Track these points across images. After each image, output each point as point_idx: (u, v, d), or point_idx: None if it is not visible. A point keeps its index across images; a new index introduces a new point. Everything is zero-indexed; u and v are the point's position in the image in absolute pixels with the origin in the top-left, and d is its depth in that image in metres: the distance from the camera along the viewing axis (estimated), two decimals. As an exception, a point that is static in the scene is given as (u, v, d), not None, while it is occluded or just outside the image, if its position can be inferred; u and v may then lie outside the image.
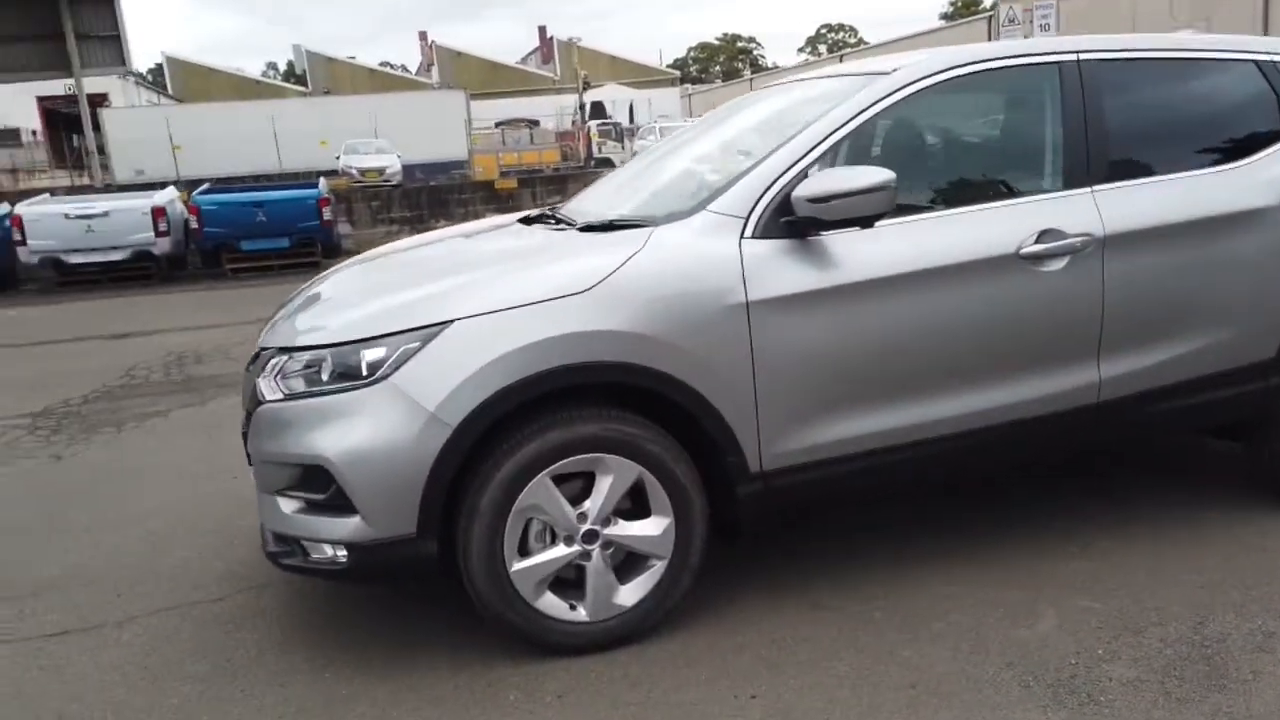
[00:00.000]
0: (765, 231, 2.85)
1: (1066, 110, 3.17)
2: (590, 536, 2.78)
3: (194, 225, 13.31)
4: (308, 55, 70.62)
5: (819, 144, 2.94)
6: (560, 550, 2.78)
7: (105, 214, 12.86)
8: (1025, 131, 3.30)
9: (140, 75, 72.89)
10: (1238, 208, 3.22)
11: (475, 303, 2.69)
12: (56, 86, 40.13)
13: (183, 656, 2.99)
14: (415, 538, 2.66)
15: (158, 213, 13.00)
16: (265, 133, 31.89)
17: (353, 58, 71.71)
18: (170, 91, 66.95)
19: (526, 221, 3.62)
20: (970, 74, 3.15)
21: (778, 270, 2.82)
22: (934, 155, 3.39)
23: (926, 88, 3.08)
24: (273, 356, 2.84)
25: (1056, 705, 2.48)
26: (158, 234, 12.93)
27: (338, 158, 27.06)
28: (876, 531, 3.56)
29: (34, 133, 47.87)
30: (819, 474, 2.95)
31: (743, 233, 2.84)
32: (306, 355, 2.77)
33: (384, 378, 2.64)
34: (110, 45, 31.48)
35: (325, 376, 2.71)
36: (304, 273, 12.68)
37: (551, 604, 2.80)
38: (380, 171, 26.37)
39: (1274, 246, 3.25)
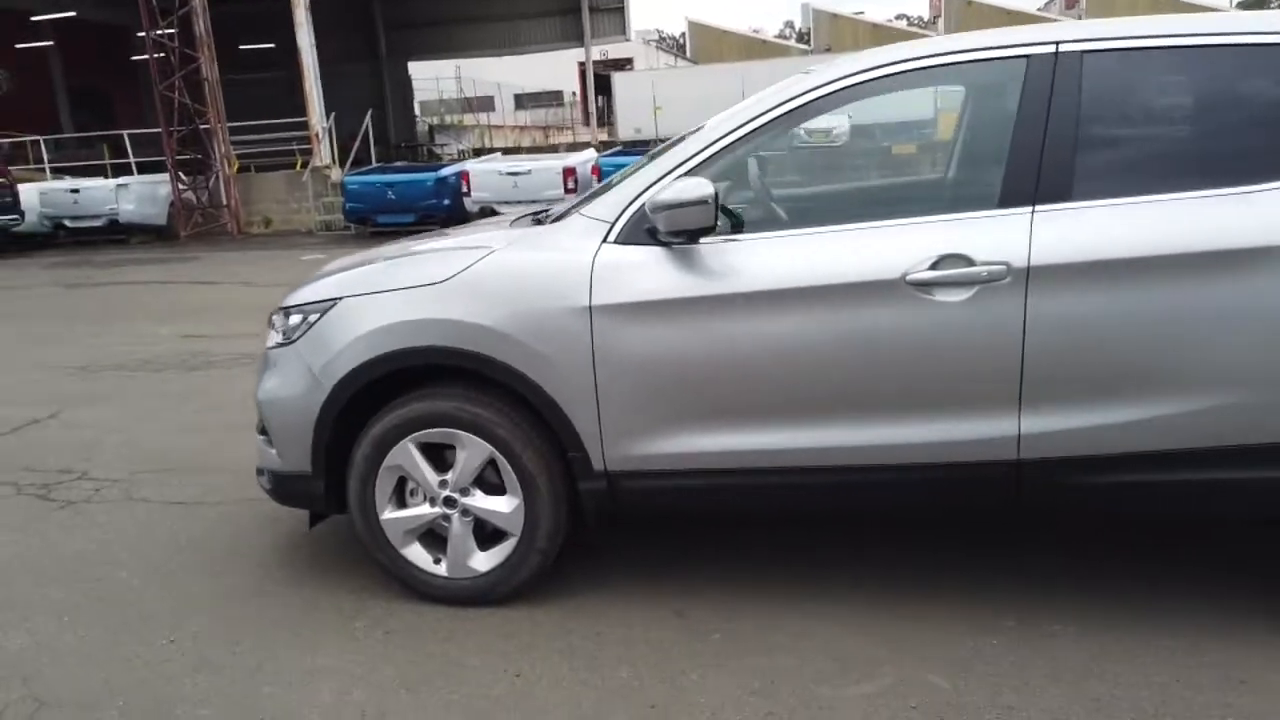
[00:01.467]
0: (629, 238, 2.87)
1: (1024, 114, 2.68)
2: (450, 502, 3.09)
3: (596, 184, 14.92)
4: (813, 13, 72.08)
5: (702, 150, 2.87)
6: (424, 509, 3.13)
7: (528, 172, 14.93)
8: (965, 139, 2.84)
9: (674, 38, 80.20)
10: (1251, 242, 2.50)
11: (363, 285, 3.11)
12: (593, 52, 45.84)
13: (218, 537, 3.83)
14: (310, 476, 3.19)
15: (568, 172, 14.77)
16: (734, 94, 33.66)
17: (860, 13, 71.66)
18: (688, 54, 72.66)
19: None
20: (912, 72, 2.80)
21: (630, 277, 2.84)
22: (844, 165, 3.04)
23: (845, 89, 2.82)
24: (275, 312, 3.51)
25: (757, 766, 2.33)
26: (566, 190, 14.69)
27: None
28: (797, 549, 3.41)
29: (573, 94, 54.88)
30: (669, 483, 2.93)
31: (605, 237, 2.89)
32: (282, 314, 3.38)
33: (294, 341, 3.17)
34: (615, 17, 35.38)
35: (285, 334, 3.32)
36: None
37: (417, 554, 3.16)
38: (826, 133, 26.70)
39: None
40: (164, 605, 3.28)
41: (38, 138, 22.18)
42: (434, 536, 3.17)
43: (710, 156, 2.87)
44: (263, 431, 3.34)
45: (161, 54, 16.67)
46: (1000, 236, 2.63)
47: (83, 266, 14.04)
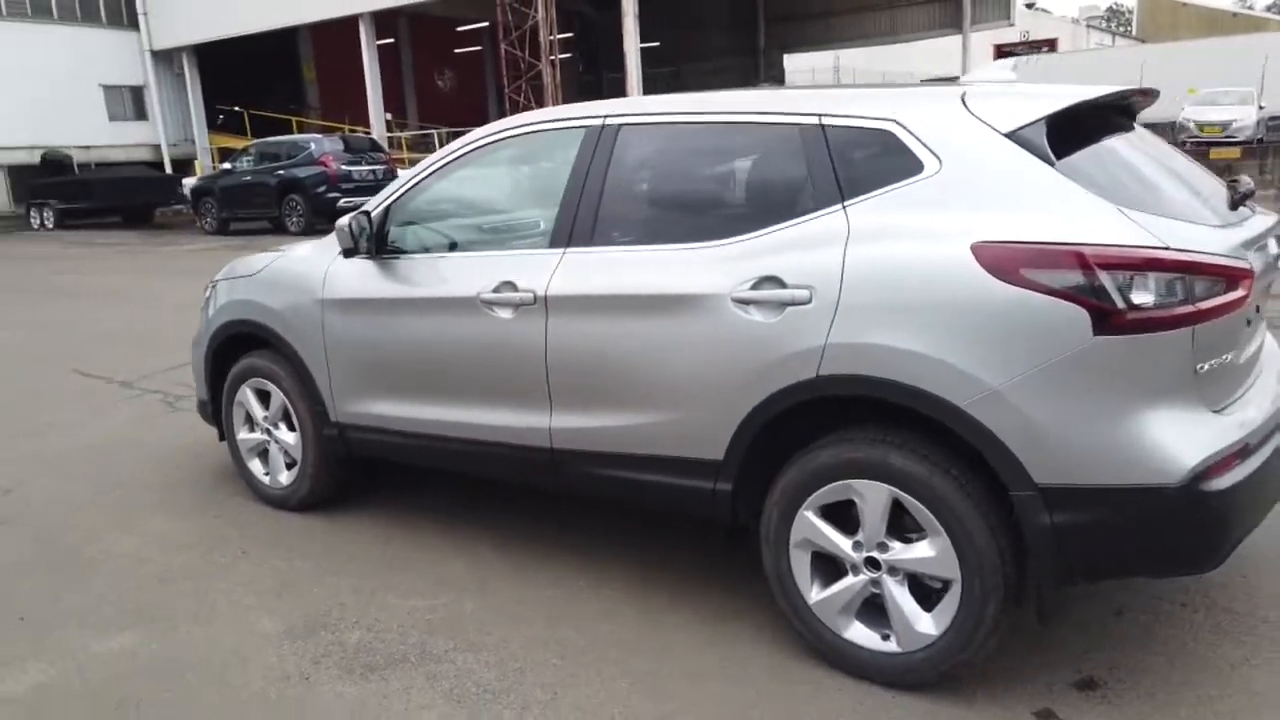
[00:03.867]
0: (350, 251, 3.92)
1: (574, 173, 3.32)
2: (269, 433, 4.37)
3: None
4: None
5: (401, 186, 3.81)
6: (257, 435, 4.42)
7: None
8: (544, 191, 3.45)
9: (1123, 12, 73.09)
10: (685, 290, 2.96)
11: (231, 272, 4.46)
12: (1012, 34, 43.78)
13: (214, 442, 5.42)
14: (207, 401, 4.63)
15: None
16: (1132, 81, 30.72)
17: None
18: (1135, 31, 65.95)
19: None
20: (524, 135, 3.53)
21: (343, 280, 3.88)
22: (473, 204, 3.75)
23: (484, 146, 3.62)
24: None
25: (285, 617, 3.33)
26: None
27: (1183, 108, 24.94)
28: (524, 513, 4.23)
29: (989, 79, 52.21)
30: (370, 436, 3.94)
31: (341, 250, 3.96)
32: (209, 286, 4.81)
33: (206, 305, 4.61)
34: (999, 1, 33.75)
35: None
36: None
37: (256, 466, 4.46)
38: (1223, 126, 23.65)
39: (715, 337, 2.89)
40: (127, 477, 4.90)
41: (423, 129, 26.64)
42: (267, 455, 4.47)
43: (397, 197, 3.81)
44: (197, 369, 4.85)
45: (512, 60, 19.50)
46: (538, 270, 3.31)
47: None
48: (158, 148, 31.38)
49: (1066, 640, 3.03)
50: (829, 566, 2.90)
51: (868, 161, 2.78)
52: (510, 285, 3.36)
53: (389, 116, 26.31)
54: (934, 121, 2.72)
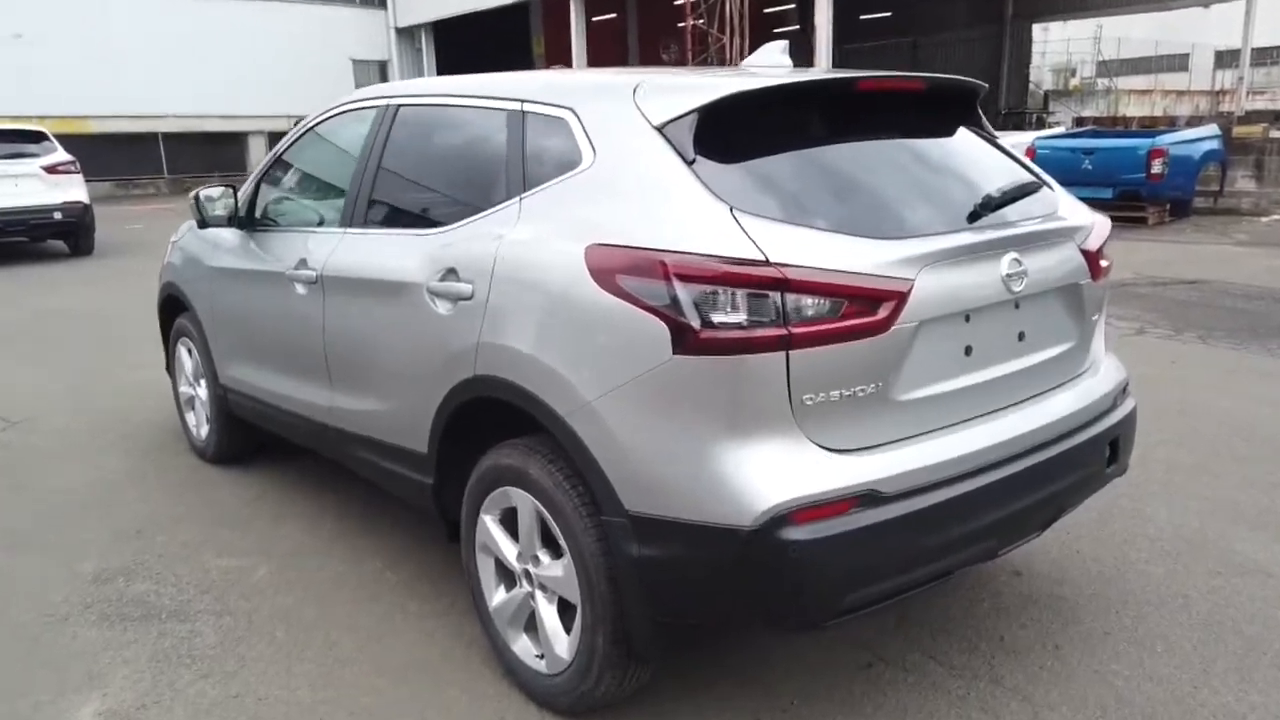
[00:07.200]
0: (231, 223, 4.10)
1: (361, 154, 3.30)
2: (193, 387, 4.68)
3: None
4: None
5: (267, 161, 3.94)
6: (189, 390, 4.74)
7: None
8: (346, 169, 3.40)
9: None
10: (400, 277, 2.88)
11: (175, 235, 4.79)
12: None
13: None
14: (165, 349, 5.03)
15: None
16: None
17: None
18: None
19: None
20: (344, 113, 3.56)
21: (222, 250, 4.07)
22: (308, 182, 3.76)
23: (317, 124, 3.70)
24: None
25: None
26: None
27: None
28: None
29: (1295, 48, 46.22)
30: (241, 401, 4.14)
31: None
32: None
33: (163, 270, 5.00)
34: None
35: None
36: (1128, 227, 12.02)
37: (190, 419, 4.79)
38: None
39: (415, 326, 2.80)
40: (131, 416, 5.41)
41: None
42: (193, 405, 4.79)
43: (263, 172, 3.94)
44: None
45: (699, 35, 19.35)
46: (323, 249, 3.34)
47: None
48: (397, 117, 33.87)
49: (775, 689, 2.72)
50: (510, 574, 2.77)
51: (548, 153, 2.59)
52: (304, 263, 3.41)
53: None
54: (599, 112, 2.50)
